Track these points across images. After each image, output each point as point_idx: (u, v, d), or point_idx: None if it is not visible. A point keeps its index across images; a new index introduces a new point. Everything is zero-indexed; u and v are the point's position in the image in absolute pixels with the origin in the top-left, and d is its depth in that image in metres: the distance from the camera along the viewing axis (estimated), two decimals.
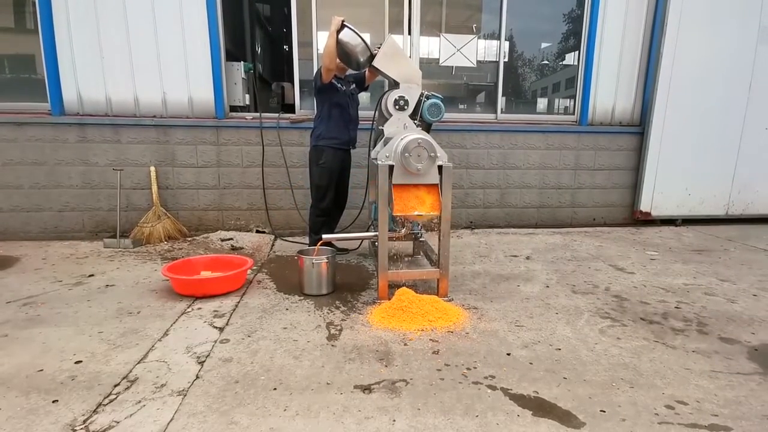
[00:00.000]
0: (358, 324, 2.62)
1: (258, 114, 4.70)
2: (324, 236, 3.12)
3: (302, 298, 3.05)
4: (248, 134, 4.69)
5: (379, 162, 2.84)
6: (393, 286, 2.94)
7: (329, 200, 3.79)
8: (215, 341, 2.38)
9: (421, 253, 3.78)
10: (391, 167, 2.83)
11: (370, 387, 1.95)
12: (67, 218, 4.61)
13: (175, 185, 4.68)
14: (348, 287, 3.26)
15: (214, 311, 2.79)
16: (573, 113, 5.23)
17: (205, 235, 4.64)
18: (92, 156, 4.55)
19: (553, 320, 2.68)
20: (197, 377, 2.01)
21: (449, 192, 2.88)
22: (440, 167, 2.86)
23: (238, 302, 2.95)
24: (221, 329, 2.54)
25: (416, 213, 2.84)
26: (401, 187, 2.85)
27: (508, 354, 2.26)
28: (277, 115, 4.75)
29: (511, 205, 5.10)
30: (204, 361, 2.16)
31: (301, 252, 3.19)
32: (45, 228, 4.57)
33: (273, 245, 4.57)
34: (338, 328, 2.57)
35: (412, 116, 3.32)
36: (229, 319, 2.67)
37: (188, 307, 2.85)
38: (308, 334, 2.49)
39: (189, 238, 4.63)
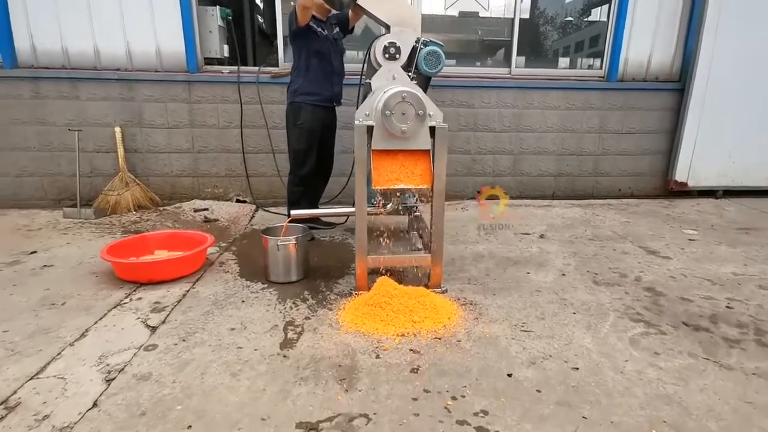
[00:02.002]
0: (324, 324, 2.12)
1: (236, 68, 4.09)
2: (293, 212, 2.58)
3: (266, 286, 2.55)
4: (225, 90, 4.10)
5: (356, 122, 2.26)
6: (377, 273, 2.41)
7: (309, 167, 3.23)
8: (140, 347, 1.89)
9: (415, 227, 3.22)
10: (370, 129, 2.24)
11: (317, 427, 1.45)
12: (26, 185, 4.15)
13: (144, 148, 4.15)
14: (324, 272, 2.74)
15: (155, 303, 2.31)
16: (600, 67, 4.50)
17: (177, 205, 4.15)
18: (49, 114, 4.02)
19: (569, 323, 2.13)
20: (94, 405, 1.54)
21: (444, 159, 2.30)
22: (432, 129, 2.26)
23: (188, 291, 2.46)
24: (154, 329, 2.05)
25: (401, 186, 2.27)
26: (382, 153, 2.27)
27: (509, 375, 1.73)
28: (256, 68, 4.13)
29: (524, 173, 4.47)
30: (114, 379, 1.68)
31: (266, 231, 2.66)
32: (2, 195, 4.11)
33: (253, 216, 4.07)
34: (298, 330, 2.07)
35: (407, 67, 2.69)
36: (168, 315, 2.18)
37: (126, 297, 2.37)
38: (259, 338, 1.99)
39: (161, 208, 4.14)
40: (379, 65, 2.68)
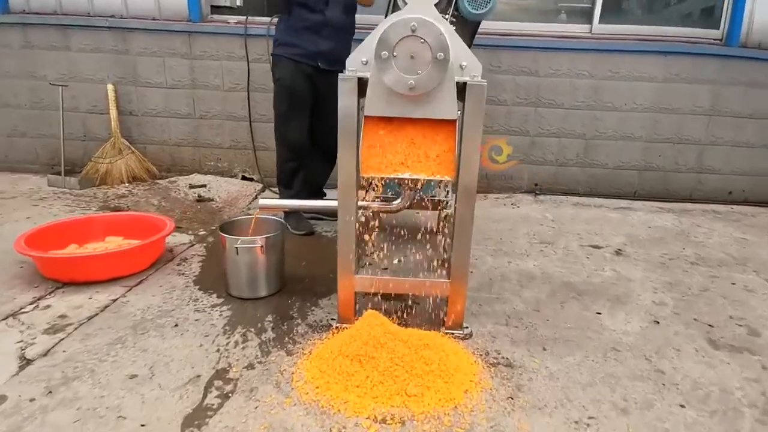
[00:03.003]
0: (269, 382, 1.38)
1: (243, 17, 3.37)
2: (261, 201, 1.84)
3: (221, 302, 1.85)
4: (230, 44, 3.41)
5: (346, 72, 1.45)
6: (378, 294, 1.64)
7: (296, 138, 2.48)
8: None
9: (447, 232, 2.39)
10: (361, 83, 1.44)
11: None
12: (17, 146, 3.71)
13: (140, 110, 3.57)
14: (308, 284, 2.01)
15: (59, 318, 1.67)
16: (717, 28, 3.37)
17: (173, 179, 3.56)
18: (40, 67, 3.53)
19: (673, 426, 1.26)
20: None
21: (478, 136, 1.46)
22: (463, 87, 1.42)
23: (115, 300, 1.81)
24: (27, 363, 1.41)
25: (407, 175, 1.46)
26: (379, 123, 1.46)
27: None
28: (268, 19, 3.39)
29: (598, 163, 3.47)
30: None
31: (227, 226, 1.94)
32: None
33: (255, 198, 3.40)
34: (228, 388, 1.35)
35: (444, 8, 1.83)
36: (60, 341, 1.53)
37: (32, 303, 1.76)
38: (162, 400, 1.28)
39: (159, 181, 3.58)
40: (405, 2, 1.84)
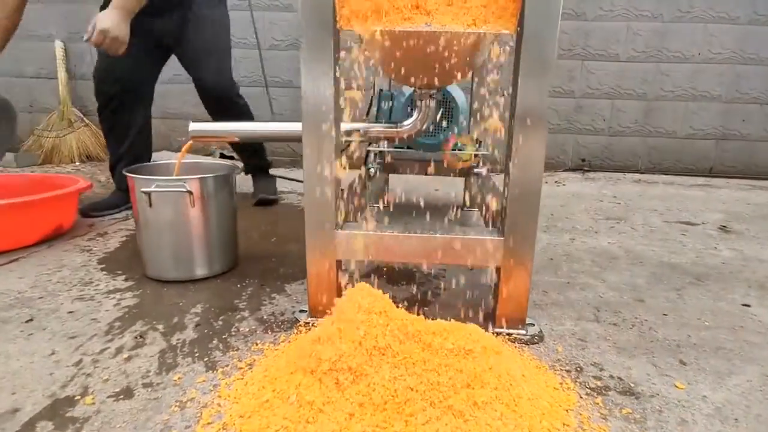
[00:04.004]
0: (147, 428, 0.67)
1: None
2: (192, 126, 1.15)
3: (128, 286, 1.15)
4: None
5: None
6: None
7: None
8: None
9: (476, 208, 1.67)
10: None
11: None
12: None
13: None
14: (272, 265, 1.30)
15: None
16: None
17: None
18: None
19: None
20: None
21: None
22: None
23: None
24: None
25: (424, 26, 0.77)
26: None
27: None
28: None
29: (662, 131, 2.75)
30: None
31: (132, 168, 1.25)
32: None
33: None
34: None
35: None
36: None
37: None
38: None
39: None
40: None
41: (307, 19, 0.81)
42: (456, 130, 1.59)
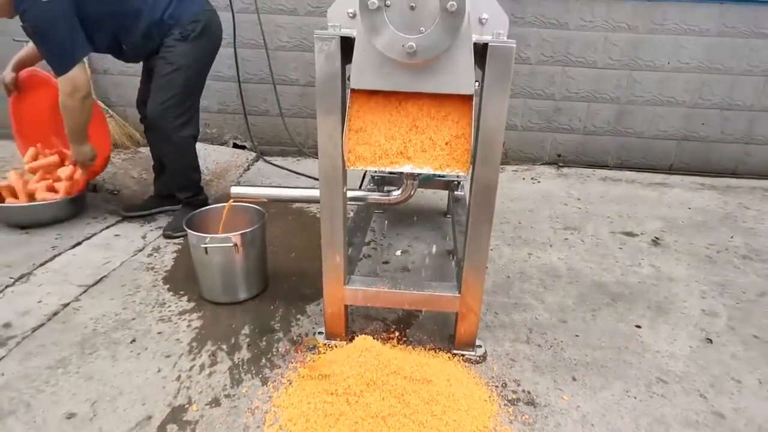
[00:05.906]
0: (236, 427, 1.12)
1: None
2: (233, 189, 1.52)
3: (192, 307, 1.58)
4: None
5: (327, 27, 1.09)
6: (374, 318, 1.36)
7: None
8: None
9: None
10: (346, 44, 1.08)
11: None
12: None
13: (115, 69, 3.20)
14: (294, 284, 1.72)
15: (4, 326, 1.42)
16: None
17: None
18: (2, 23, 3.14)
19: None
20: None
21: (502, 114, 1.11)
22: (484, 49, 1.06)
23: (67, 305, 1.55)
24: None
25: (407, 168, 1.13)
26: (371, 99, 1.12)
27: None
28: None
29: (631, 131, 3.07)
30: None
31: (194, 219, 1.63)
32: None
33: (248, 169, 3.09)
34: None
35: None
36: (6, 355, 1.28)
37: None
38: None
39: (141, 149, 3.26)
40: None
41: (324, 162, 1.17)
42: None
